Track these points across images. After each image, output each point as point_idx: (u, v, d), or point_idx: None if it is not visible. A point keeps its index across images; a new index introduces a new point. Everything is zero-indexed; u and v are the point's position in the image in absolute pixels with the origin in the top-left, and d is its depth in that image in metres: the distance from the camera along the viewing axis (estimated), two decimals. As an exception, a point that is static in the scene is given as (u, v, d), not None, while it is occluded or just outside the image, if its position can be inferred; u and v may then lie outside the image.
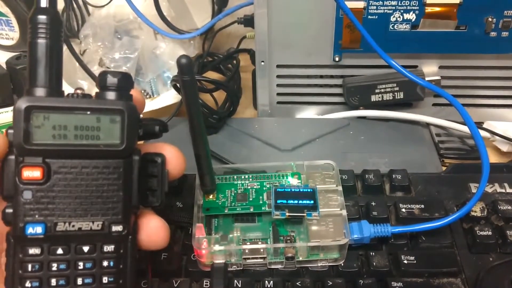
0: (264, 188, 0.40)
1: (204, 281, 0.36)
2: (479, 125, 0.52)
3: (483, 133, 0.50)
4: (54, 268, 0.26)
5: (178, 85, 0.51)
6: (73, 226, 0.26)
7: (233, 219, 0.39)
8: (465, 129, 0.51)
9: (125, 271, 0.27)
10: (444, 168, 0.47)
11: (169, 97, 0.57)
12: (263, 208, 0.38)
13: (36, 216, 0.25)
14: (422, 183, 0.43)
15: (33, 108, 0.25)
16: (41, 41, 0.26)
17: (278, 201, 0.37)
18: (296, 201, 0.37)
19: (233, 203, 0.39)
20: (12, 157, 0.25)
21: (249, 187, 0.40)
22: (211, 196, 0.39)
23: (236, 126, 0.53)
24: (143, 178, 0.28)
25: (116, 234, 0.26)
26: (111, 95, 0.26)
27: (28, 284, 0.26)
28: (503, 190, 0.42)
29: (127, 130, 0.26)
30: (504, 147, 0.50)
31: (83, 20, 0.63)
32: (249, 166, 0.42)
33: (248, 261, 0.36)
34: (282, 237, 0.37)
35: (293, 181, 0.40)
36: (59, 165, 0.25)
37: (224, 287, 0.35)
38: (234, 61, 0.59)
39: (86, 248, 0.26)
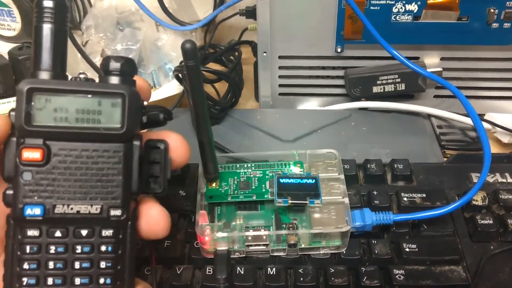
0: (267, 177, 0.40)
1: (207, 268, 0.36)
2: (481, 116, 0.52)
3: (484, 124, 0.50)
4: (52, 251, 0.26)
5: (180, 75, 0.51)
6: (72, 209, 0.26)
7: (236, 207, 0.39)
8: (466, 120, 0.51)
9: (124, 257, 0.27)
10: (445, 159, 0.48)
11: (171, 88, 0.57)
12: (265, 196, 0.38)
13: (35, 197, 0.25)
14: (423, 173, 0.43)
15: (35, 90, 0.25)
16: (47, 26, 0.26)
17: (281, 189, 0.37)
18: (298, 189, 0.37)
19: (236, 191, 0.39)
20: (14, 138, 0.25)
21: (251, 176, 0.40)
22: (214, 184, 0.39)
23: (238, 117, 0.53)
24: (145, 165, 0.28)
25: (114, 219, 0.26)
26: (114, 80, 0.26)
27: (26, 265, 0.26)
28: (504, 180, 0.43)
29: (128, 114, 0.26)
30: (505, 139, 0.50)
31: (85, 11, 0.63)
32: (251, 155, 0.42)
33: (250, 248, 0.37)
34: (284, 225, 0.37)
35: (296, 170, 0.40)
36: (59, 147, 0.25)
37: (227, 274, 0.35)
38: (236, 53, 0.59)
39: (84, 232, 0.26)
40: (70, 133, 0.25)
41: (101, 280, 0.26)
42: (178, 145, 0.29)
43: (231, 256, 0.37)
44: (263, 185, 0.39)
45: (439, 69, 0.51)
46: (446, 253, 0.37)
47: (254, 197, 0.38)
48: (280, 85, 0.54)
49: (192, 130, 0.50)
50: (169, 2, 0.61)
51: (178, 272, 0.36)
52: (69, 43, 0.52)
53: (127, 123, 0.26)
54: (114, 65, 0.26)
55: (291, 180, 0.38)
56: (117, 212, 0.26)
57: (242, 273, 0.36)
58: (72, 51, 0.54)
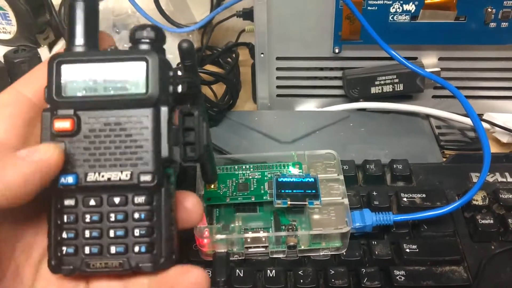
0: (265, 178, 0.39)
1: (206, 270, 0.36)
2: (479, 116, 0.51)
3: (483, 124, 0.50)
4: (88, 220, 0.26)
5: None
6: (103, 176, 0.26)
7: (235, 209, 0.39)
8: (465, 120, 0.51)
9: (160, 225, 0.26)
10: (444, 160, 0.47)
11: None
12: (264, 197, 0.38)
13: (69, 167, 0.26)
14: (423, 173, 0.43)
15: (63, 62, 0.26)
16: (79, 2, 0.27)
17: (280, 190, 0.37)
18: (297, 190, 0.37)
19: (234, 193, 0.39)
20: (48, 113, 0.26)
21: (250, 177, 0.40)
22: (212, 186, 0.39)
23: (236, 119, 0.53)
24: (181, 133, 0.27)
25: (145, 185, 0.26)
26: (142, 48, 0.27)
27: (64, 235, 0.26)
28: (504, 179, 0.42)
29: (152, 79, 0.26)
30: (504, 138, 0.50)
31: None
32: (250, 156, 0.42)
33: (250, 250, 0.36)
34: (283, 226, 0.37)
35: (294, 171, 0.40)
36: (88, 116, 0.26)
37: (226, 277, 0.35)
38: (233, 55, 0.59)
39: (117, 200, 0.26)
40: (98, 102, 0.26)
41: (136, 249, 0.26)
42: (195, 206, 0.29)
43: (230, 259, 0.36)
44: (262, 187, 0.39)
45: (437, 69, 0.50)
46: (447, 253, 0.37)
47: (253, 199, 0.38)
48: (278, 87, 0.54)
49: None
50: (166, 4, 0.61)
51: (177, 275, 0.36)
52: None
53: (152, 88, 0.26)
54: (140, 33, 0.27)
55: (290, 181, 0.38)
56: (147, 178, 0.26)
57: (241, 275, 0.35)
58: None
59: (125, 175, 0.26)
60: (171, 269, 0.26)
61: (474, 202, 0.39)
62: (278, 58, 0.52)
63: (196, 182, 0.39)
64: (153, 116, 0.26)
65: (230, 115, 0.53)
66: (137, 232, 0.26)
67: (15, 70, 0.55)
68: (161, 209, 0.26)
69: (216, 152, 0.48)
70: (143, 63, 0.26)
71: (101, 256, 0.26)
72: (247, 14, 0.55)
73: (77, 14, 0.27)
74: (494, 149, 0.51)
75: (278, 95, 0.55)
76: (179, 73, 0.28)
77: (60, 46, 0.63)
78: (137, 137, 0.26)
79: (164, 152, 0.26)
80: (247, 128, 0.52)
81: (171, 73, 0.27)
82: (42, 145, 0.25)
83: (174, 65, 0.58)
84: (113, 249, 0.26)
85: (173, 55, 0.60)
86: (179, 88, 0.27)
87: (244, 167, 0.40)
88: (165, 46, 0.55)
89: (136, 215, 0.26)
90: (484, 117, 0.52)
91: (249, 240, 0.36)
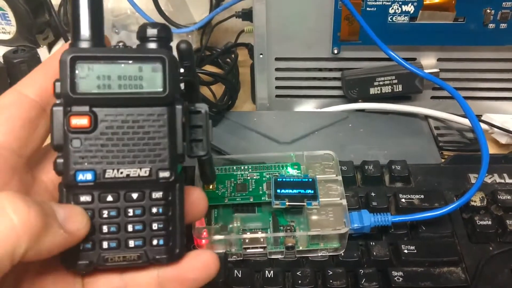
0: (264, 179, 0.39)
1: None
2: (478, 117, 0.51)
3: (481, 125, 0.50)
4: (105, 215, 0.26)
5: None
6: (121, 172, 0.26)
7: (233, 209, 0.39)
8: (464, 121, 0.51)
9: (175, 218, 0.27)
10: (443, 161, 0.47)
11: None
12: (262, 198, 0.38)
13: (86, 164, 0.26)
14: (421, 174, 0.43)
15: (78, 58, 0.25)
16: None
17: (278, 191, 0.37)
18: (296, 191, 0.37)
19: (232, 194, 0.39)
20: (60, 108, 0.26)
21: (248, 178, 0.40)
22: (210, 187, 0.39)
23: (235, 119, 0.53)
24: (188, 129, 0.28)
25: (163, 181, 0.26)
26: (151, 46, 0.27)
27: None
28: (502, 181, 0.42)
29: (169, 78, 0.26)
30: (503, 139, 0.50)
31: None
32: (248, 157, 0.42)
33: (248, 251, 0.36)
34: (282, 227, 0.37)
35: (293, 172, 0.40)
36: (105, 113, 0.26)
37: (224, 277, 0.35)
38: (232, 55, 0.59)
39: (135, 195, 0.26)
40: (114, 99, 0.26)
41: (154, 242, 0.27)
42: (201, 200, 0.30)
43: (228, 259, 0.36)
44: (260, 187, 0.39)
45: (436, 70, 0.51)
46: (445, 254, 0.37)
47: (251, 199, 0.38)
48: (277, 87, 0.54)
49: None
50: (165, 4, 0.61)
51: (175, 276, 0.36)
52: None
53: (169, 87, 0.26)
54: (151, 31, 0.27)
55: (289, 182, 0.38)
56: (166, 174, 0.26)
57: (240, 276, 0.35)
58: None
59: (144, 172, 0.26)
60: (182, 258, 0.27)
61: (472, 203, 0.39)
62: (277, 59, 0.52)
63: (195, 182, 0.39)
64: (170, 114, 0.26)
65: (229, 116, 0.53)
66: (155, 226, 0.27)
67: (15, 70, 0.55)
68: (176, 203, 0.27)
69: (214, 152, 0.48)
70: (160, 62, 0.26)
71: (119, 250, 0.26)
72: (246, 15, 0.55)
73: (82, 8, 0.26)
74: (492, 150, 0.51)
75: (277, 96, 0.55)
76: (182, 70, 0.28)
77: (59, 46, 0.63)
78: (154, 135, 0.26)
79: (180, 148, 0.27)
80: (246, 129, 0.52)
81: (179, 71, 0.28)
82: (79, 213, 0.25)
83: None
84: (131, 243, 0.26)
85: (172, 56, 0.60)
86: (182, 86, 0.28)
87: (242, 167, 0.40)
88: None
89: (154, 210, 0.26)
90: (482, 118, 0.52)
91: (247, 240, 0.36)
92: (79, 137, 0.26)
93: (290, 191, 0.37)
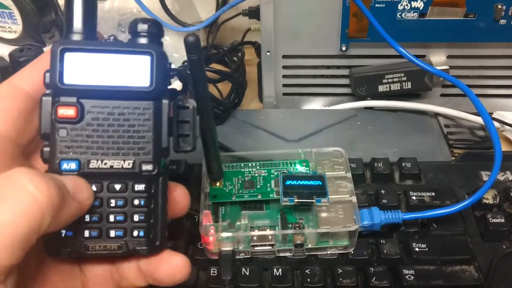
0: (272, 176, 0.39)
1: (212, 269, 0.36)
2: (489, 115, 0.51)
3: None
4: None
5: (182, 74, 0.50)
6: (105, 164, 0.27)
7: (241, 206, 0.38)
8: (474, 118, 0.50)
9: (156, 211, 0.28)
10: (453, 159, 0.47)
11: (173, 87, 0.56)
12: (271, 195, 0.38)
13: (71, 153, 0.26)
14: (432, 171, 0.42)
15: (67, 50, 0.26)
16: None
17: (287, 188, 0.37)
18: (304, 188, 0.37)
19: (240, 191, 0.38)
20: (48, 98, 0.26)
21: (256, 175, 0.39)
22: (218, 184, 0.38)
23: (242, 118, 0.52)
24: (175, 124, 0.28)
25: (146, 174, 0.27)
26: (142, 41, 0.27)
27: None
28: (515, 178, 0.42)
29: (156, 73, 0.26)
30: (514, 137, 0.49)
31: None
32: (256, 154, 0.41)
33: (256, 248, 0.36)
34: (290, 224, 0.36)
35: (301, 169, 0.40)
36: (92, 104, 0.26)
37: (232, 275, 0.34)
38: (239, 54, 0.59)
39: (118, 187, 0.27)
40: (102, 91, 0.26)
41: (135, 233, 0.27)
42: (182, 197, 0.30)
43: (236, 257, 0.36)
44: (268, 184, 0.38)
45: (446, 67, 0.50)
46: (457, 252, 0.36)
47: (259, 197, 0.38)
48: (284, 85, 0.54)
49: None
50: (171, 3, 0.60)
51: (182, 274, 0.35)
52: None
53: (155, 82, 0.26)
54: (142, 26, 0.27)
55: (297, 179, 0.37)
56: (149, 167, 0.27)
57: (248, 274, 0.35)
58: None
59: (127, 164, 0.27)
60: (161, 253, 0.28)
61: (485, 201, 0.39)
62: (284, 56, 0.51)
63: (202, 179, 0.38)
64: (156, 108, 0.27)
65: (236, 114, 0.53)
66: (136, 217, 0.27)
67: (21, 69, 0.54)
68: (158, 196, 0.28)
69: (221, 150, 0.48)
70: (148, 57, 0.26)
71: (100, 239, 0.27)
72: (253, 13, 0.55)
73: (76, 1, 0.27)
74: (504, 147, 0.50)
75: (284, 94, 0.54)
76: (173, 66, 0.29)
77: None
78: (139, 128, 0.27)
79: (164, 142, 0.28)
80: (253, 127, 0.51)
81: (168, 67, 0.28)
82: (84, 184, 0.26)
83: (180, 64, 0.58)
84: (112, 233, 0.27)
85: (178, 54, 0.60)
86: (172, 81, 0.28)
87: (250, 164, 0.40)
88: (169, 45, 0.55)
89: (136, 202, 0.27)
90: (494, 115, 0.51)
91: (255, 238, 0.35)
92: (66, 127, 0.26)
93: (299, 188, 0.37)
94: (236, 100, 0.53)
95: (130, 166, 0.27)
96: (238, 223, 0.37)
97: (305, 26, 0.49)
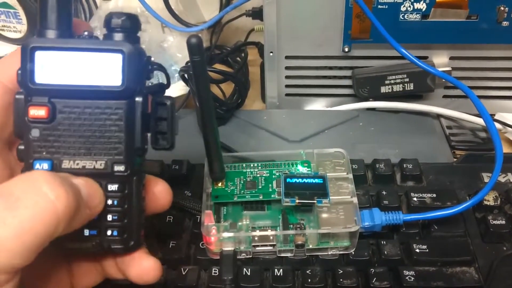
0: (274, 176, 0.39)
1: (213, 269, 0.36)
2: (491, 117, 0.51)
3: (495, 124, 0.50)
4: None
5: (186, 76, 0.51)
6: (78, 164, 0.26)
7: (242, 207, 0.38)
8: (476, 120, 0.50)
9: (130, 211, 0.28)
10: (455, 160, 0.47)
11: (176, 88, 0.56)
12: (272, 196, 0.38)
13: (44, 153, 0.26)
14: (433, 172, 0.43)
15: (37, 48, 0.25)
16: None
17: (288, 188, 0.37)
18: (306, 189, 0.37)
19: (242, 191, 0.38)
20: (21, 96, 0.26)
21: (258, 175, 0.39)
22: (220, 184, 0.39)
23: (245, 118, 0.53)
24: (153, 121, 0.28)
25: (119, 174, 0.27)
26: (117, 37, 0.26)
27: None
28: (516, 180, 0.42)
29: (128, 72, 0.26)
30: (516, 139, 0.49)
31: (91, 13, 0.63)
32: (258, 154, 0.42)
33: (257, 249, 0.36)
34: (291, 225, 0.37)
35: (303, 169, 0.40)
36: (63, 104, 0.26)
37: (233, 275, 0.34)
38: (242, 54, 0.59)
39: None
40: (73, 91, 0.26)
41: (108, 232, 0.27)
42: (164, 193, 0.30)
43: (237, 257, 0.36)
44: (270, 185, 0.39)
45: (448, 68, 0.50)
46: (458, 254, 0.36)
47: (261, 197, 0.38)
48: (287, 86, 0.54)
49: (198, 130, 0.49)
50: (175, 3, 0.61)
51: (183, 273, 0.36)
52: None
53: (127, 80, 0.26)
54: (116, 21, 0.26)
55: (299, 180, 0.38)
56: (121, 168, 0.27)
57: (249, 274, 0.35)
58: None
59: (99, 164, 0.27)
60: (134, 253, 0.29)
61: (486, 202, 0.39)
62: (287, 57, 0.52)
63: (204, 179, 0.39)
64: (128, 108, 0.26)
65: (238, 114, 0.53)
66: (110, 217, 0.27)
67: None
68: (132, 196, 0.28)
69: (224, 150, 0.48)
70: (119, 55, 0.26)
71: (75, 237, 0.27)
72: (256, 14, 0.55)
73: None
74: (505, 149, 0.50)
75: (287, 94, 0.55)
76: (152, 59, 0.28)
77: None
78: (111, 128, 0.26)
79: (138, 142, 0.27)
80: (255, 127, 0.51)
81: (145, 62, 0.27)
82: (97, 189, 0.26)
83: (183, 64, 0.58)
84: (86, 232, 0.27)
85: (182, 55, 0.60)
86: (151, 76, 0.28)
87: (252, 165, 0.40)
88: (172, 45, 0.54)
89: (109, 202, 0.27)
90: (495, 117, 0.51)
91: (256, 238, 0.35)
92: (38, 127, 0.26)
93: (300, 188, 0.37)
94: (239, 100, 0.54)
95: (102, 166, 0.27)
96: (239, 224, 0.37)
97: (308, 27, 0.49)
